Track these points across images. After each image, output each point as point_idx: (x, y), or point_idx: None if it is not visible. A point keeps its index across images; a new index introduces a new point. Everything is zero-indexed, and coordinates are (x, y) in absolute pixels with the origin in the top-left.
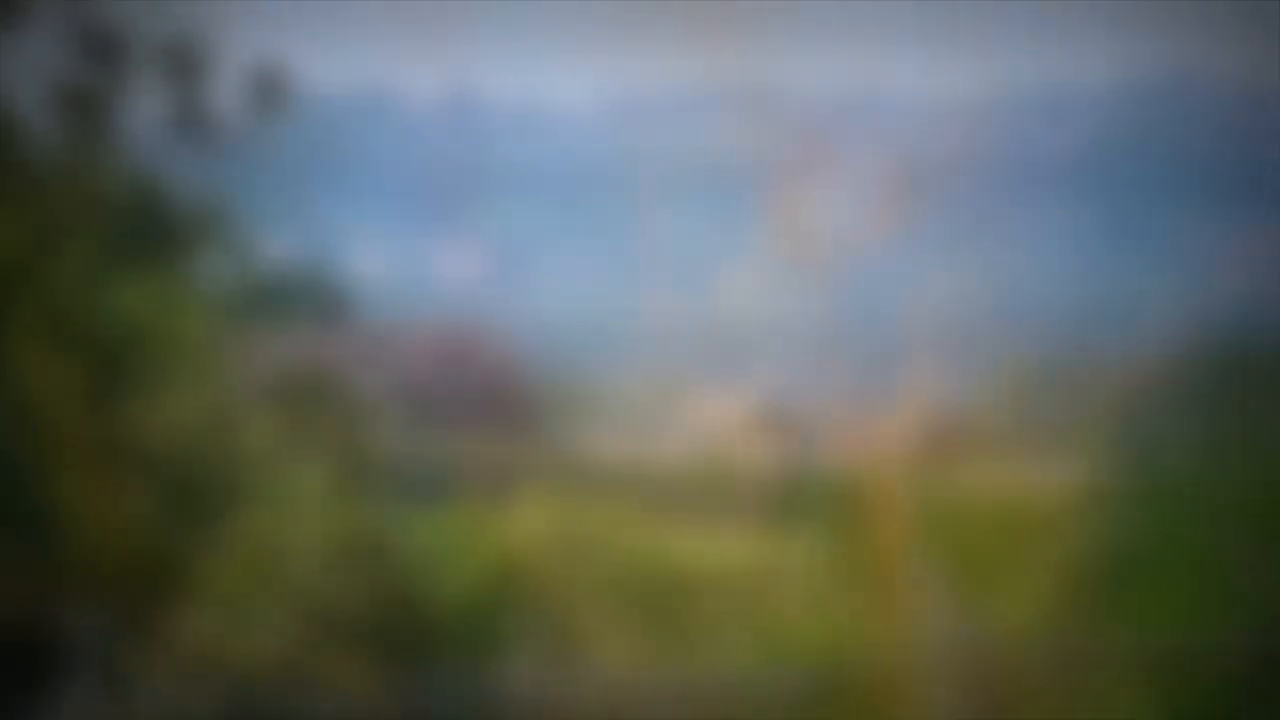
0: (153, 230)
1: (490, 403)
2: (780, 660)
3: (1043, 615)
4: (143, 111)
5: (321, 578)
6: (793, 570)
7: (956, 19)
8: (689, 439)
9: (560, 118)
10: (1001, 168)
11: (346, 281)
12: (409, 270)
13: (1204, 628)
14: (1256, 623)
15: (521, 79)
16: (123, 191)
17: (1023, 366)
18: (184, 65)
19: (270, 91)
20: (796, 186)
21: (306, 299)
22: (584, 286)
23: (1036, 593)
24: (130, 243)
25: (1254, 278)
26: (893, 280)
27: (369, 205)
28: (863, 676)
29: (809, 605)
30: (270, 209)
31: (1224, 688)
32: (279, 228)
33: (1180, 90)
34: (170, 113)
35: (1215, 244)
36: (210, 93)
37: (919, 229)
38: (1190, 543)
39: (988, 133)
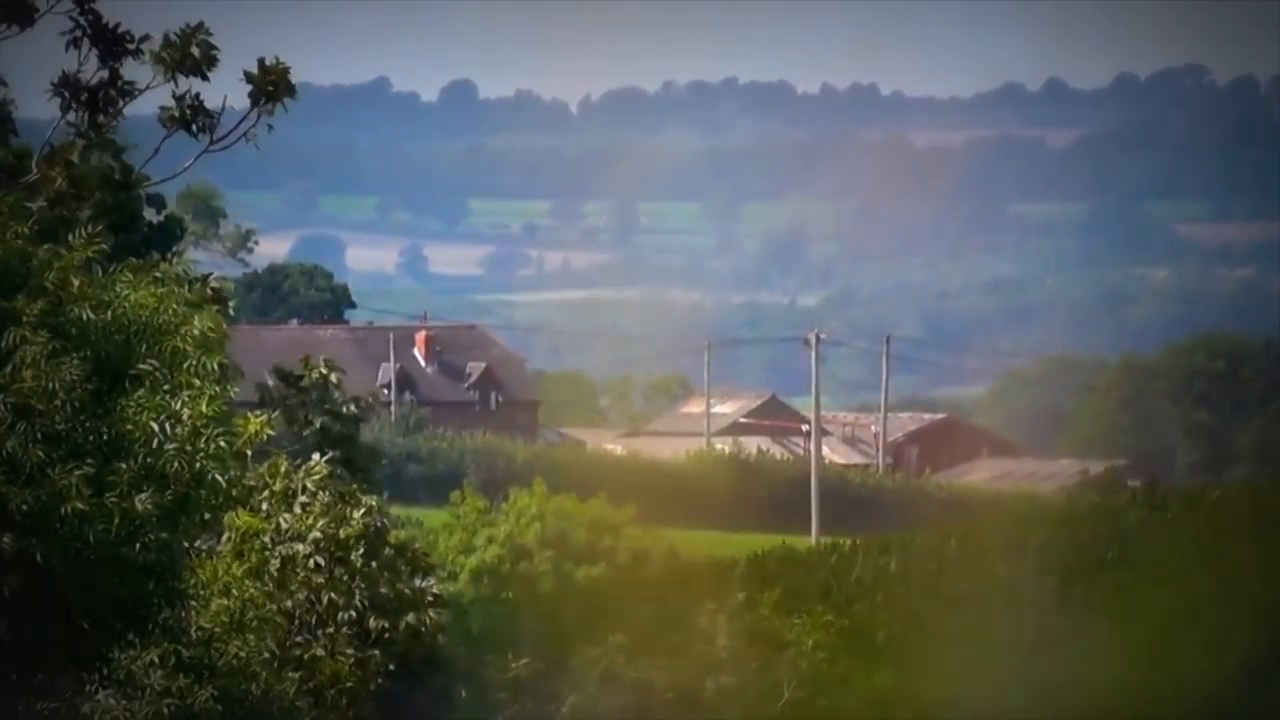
0: (152, 225)
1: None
2: None
3: None
4: (145, 107)
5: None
6: None
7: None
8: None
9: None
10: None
11: (347, 276)
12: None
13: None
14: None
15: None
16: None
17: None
18: (186, 62)
19: (271, 87)
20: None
21: (307, 294)
22: None
23: None
24: (130, 238)
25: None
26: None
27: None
28: None
29: None
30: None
31: None
32: (279, 222)
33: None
34: (172, 108)
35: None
36: (212, 90)
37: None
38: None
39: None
